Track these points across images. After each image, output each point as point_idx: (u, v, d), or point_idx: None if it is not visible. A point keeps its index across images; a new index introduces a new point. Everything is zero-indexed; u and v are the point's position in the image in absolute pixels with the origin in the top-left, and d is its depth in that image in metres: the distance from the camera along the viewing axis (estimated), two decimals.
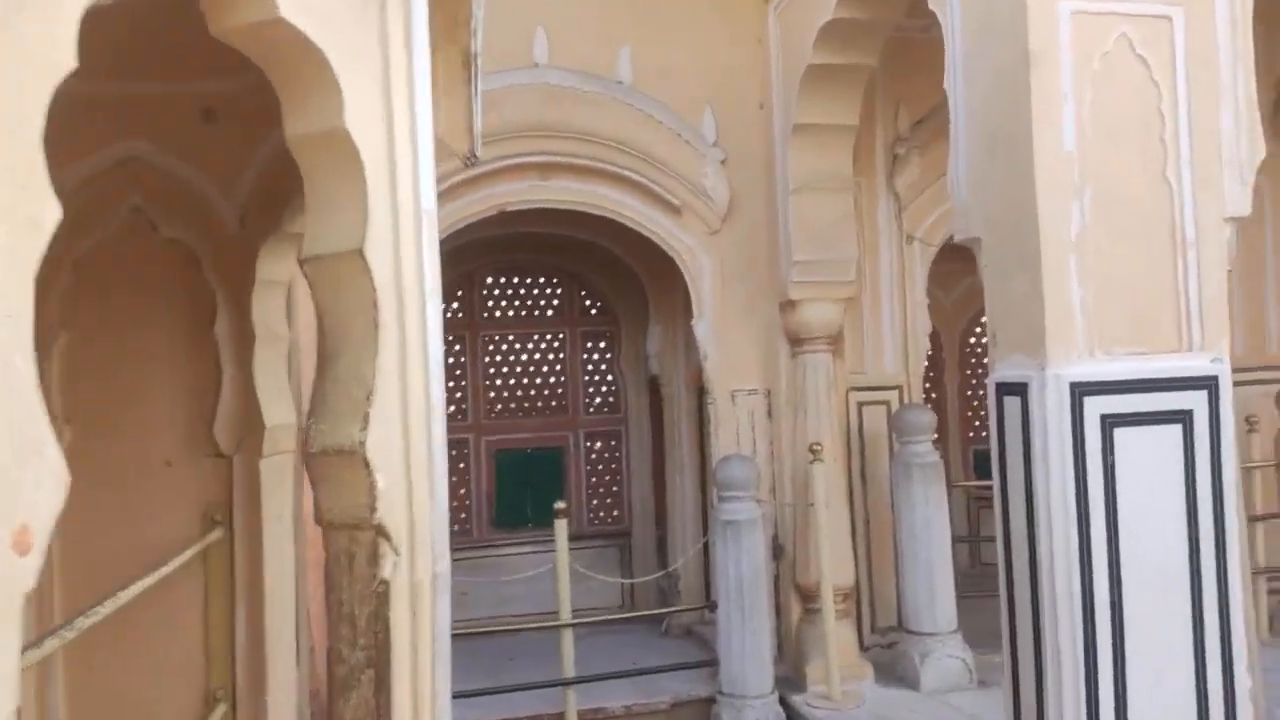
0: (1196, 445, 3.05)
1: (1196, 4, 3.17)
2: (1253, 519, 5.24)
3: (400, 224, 1.29)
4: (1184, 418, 3.06)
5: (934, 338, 7.63)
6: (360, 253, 1.24)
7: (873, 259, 5.70)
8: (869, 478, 5.51)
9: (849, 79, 5.06)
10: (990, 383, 3.29)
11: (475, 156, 2.48)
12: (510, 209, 5.32)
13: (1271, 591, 5.75)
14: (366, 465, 1.22)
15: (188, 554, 2.23)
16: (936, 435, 5.36)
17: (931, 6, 3.67)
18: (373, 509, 1.23)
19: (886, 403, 5.58)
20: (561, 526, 4.58)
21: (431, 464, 1.33)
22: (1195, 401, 3.08)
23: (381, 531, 1.24)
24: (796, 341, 5.33)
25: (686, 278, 5.46)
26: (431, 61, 1.79)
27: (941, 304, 7.69)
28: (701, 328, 5.41)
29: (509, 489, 6.76)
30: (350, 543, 1.23)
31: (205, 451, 2.38)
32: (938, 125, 5.46)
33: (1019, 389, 3.10)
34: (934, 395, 7.75)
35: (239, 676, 2.29)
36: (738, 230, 5.49)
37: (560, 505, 4.58)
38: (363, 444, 1.22)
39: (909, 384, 5.67)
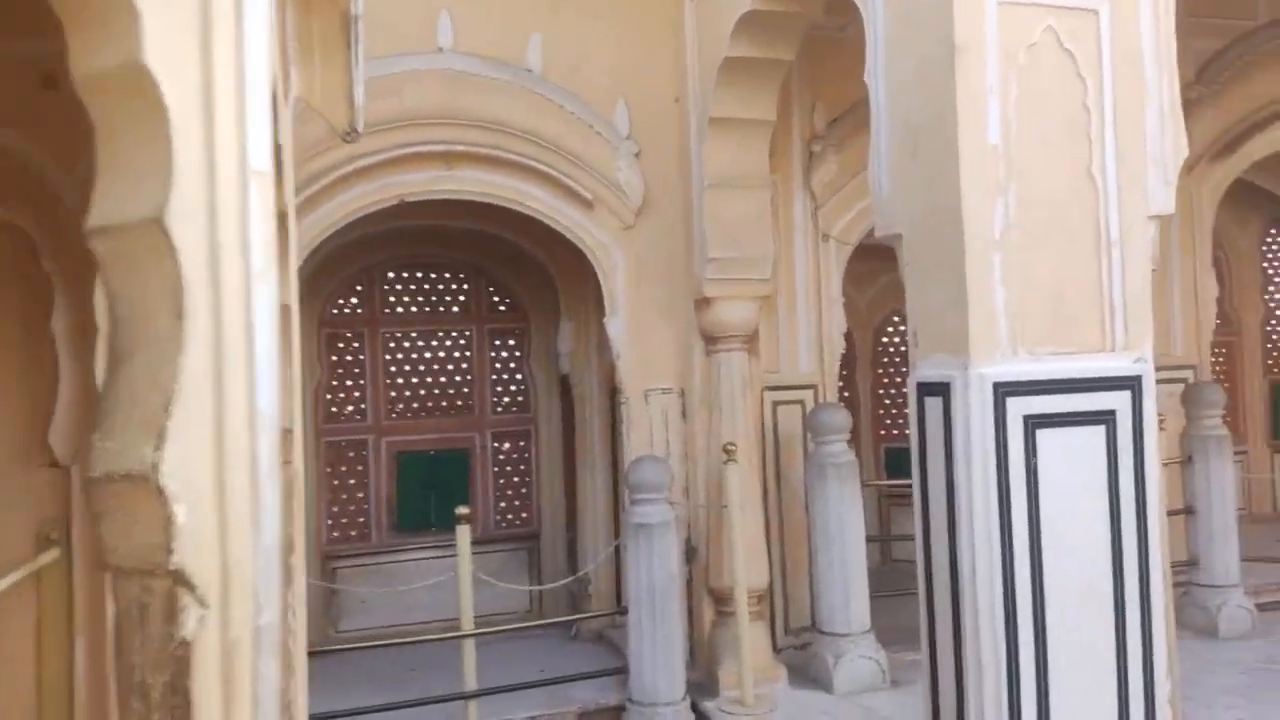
0: (1120, 447, 2.98)
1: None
2: None
3: (218, 188, 1.03)
4: (1107, 419, 2.99)
5: (848, 337, 7.60)
6: (160, 223, 0.98)
7: (788, 257, 5.59)
8: (783, 478, 5.39)
9: (766, 73, 4.91)
10: (911, 382, 3.16)
11: (356, 131, 2.23)
12: (411, 200, 5.02)
13: (1176, 584, 5.83)
14: (161, 493, 0.97)
15: (16, 576, 1.93)
16: (851, 435, 5.29)
17: None
18: (169, 550, 0.96)
19: (801, 402, 5.47)
20: (464, 532, 4.33)
21: (256, 491, 1.06)
22: (1119, 402, 3.00)
23: (181, 579, 0.98)
24: (711, 340, 5.18)
25: (599, 273, 5.25)
26: (306, 23, 1.53)
27: (856, 303, 7.65)
28: (614, 325, 5.21)
29: (411, 492, 6.43)
30: (142, 593, 0.97)
31: (39, 461, 2.07)
32: (854, 123, 5.39)
33: (941, 389, 2.98)
34: (847, 394, 7.71)
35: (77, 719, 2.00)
36: (652, 226, 5.31)
37: (462, 510, 4.32)
38: (156, 467, 0.96)
39: (824, 383, 5.57)
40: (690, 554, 5.10)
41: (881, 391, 8.28)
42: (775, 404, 5.44)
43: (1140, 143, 3.10)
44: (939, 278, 3.05)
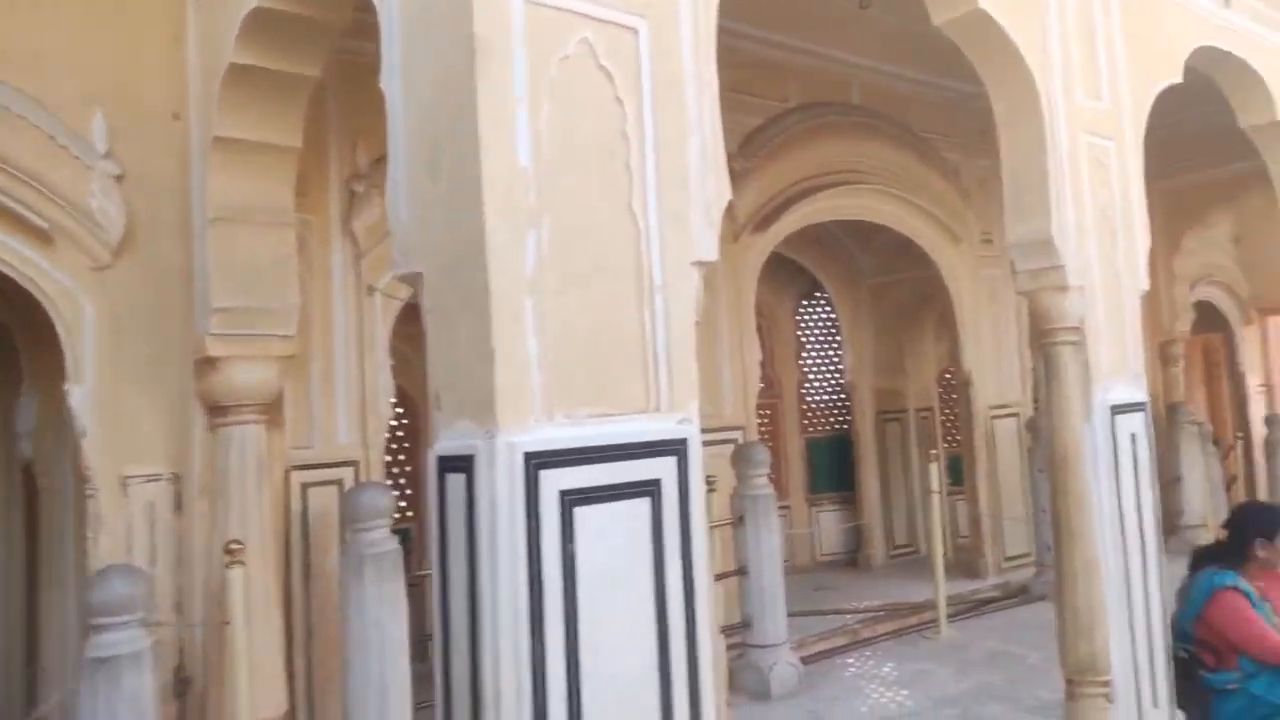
0: (666, 520, 2.57)
1: (662, 19, 2.80)
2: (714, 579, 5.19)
3: None
4: (652, 489, 2.57)
5: (409, 405, 6.93)
6: None
7: (324, 311, 4.79)
8: (314, 576, 4.50)
9: (286, 89, 4.12)
10: (431, 456, 2.54)
11: None
12: None
13: (731, 647, 5.80)
14: None
15: None
16: (410, 515, 4.56)
17: None
18: None
19: (339, 482, 4.64)
20: None
21: None
22: (664, 469, 2.61)
23: None
24: (217, 410, 4.17)
25: (60, 328, 4.00)
26: None
27: (416, 367, 6.96)
28: (78, 394, 3.98)
29: None
30: None
31: None
32: None
33: (464, 463, 2.38)
34: (409, 469, 6.97)
35: None
36: (139, 267, 4.19)
37: None
38: None
39: (368, 459, 4.79)
40: (182, 687, 3.98)
41: None
42: (305, 486, 4.56)
43: (683, 179, 2.79)
44: (463, 326, 2.47)
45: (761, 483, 5.93)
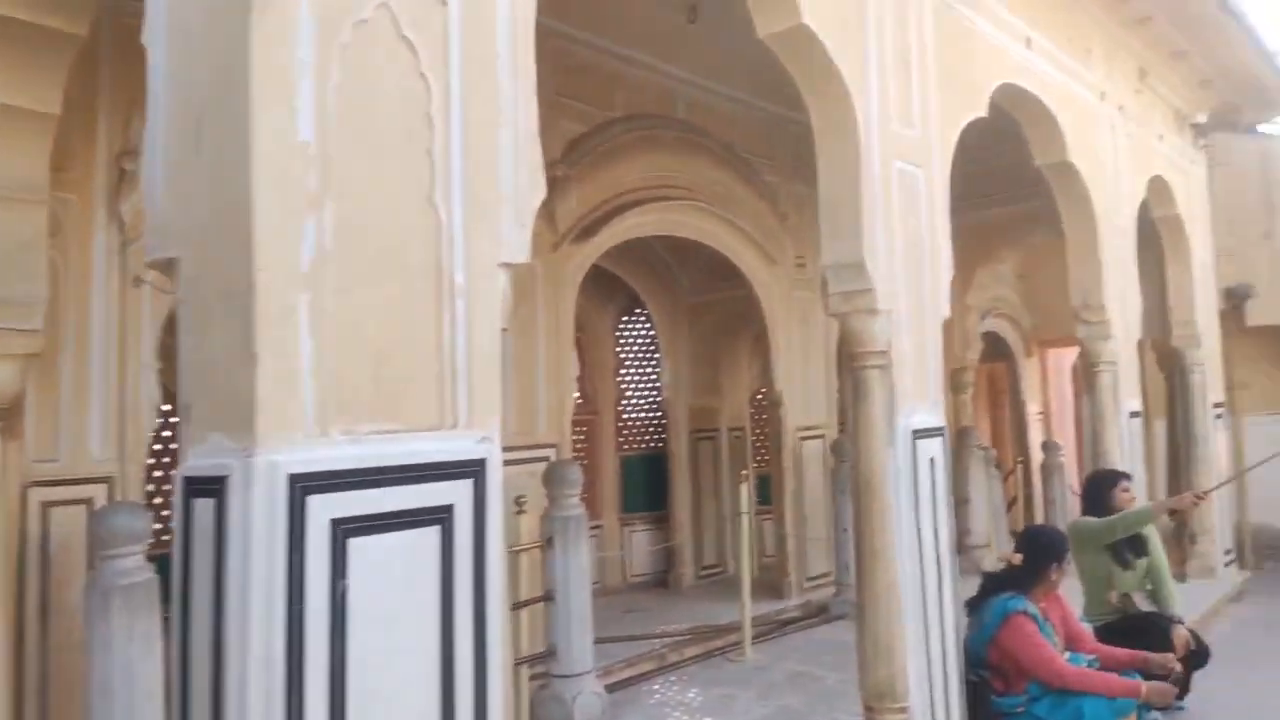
0: (458, 551, 2.30)
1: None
2: (516, 606, 4.93)
3: None
4: (444, 516, 2.29)
5: None
6: None
7: (80, 304, 4.21)
8: (54, 609, 3.89)
9: (43, 48, 3.58)
10: (177, 477, 2.15)
11: None
12: None
13: (535, 677, 5.54)
14: None
15: None
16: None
17: None
18: None
19: (89, 500, 4.06)
20: None
21: None
22: (459, 494, 2.33)
23: None
24: None
25: None
26: None
27: None
28: None
29: None
30: None
31: None
32: None
33: (215, 486, 2.02)
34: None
35: None
36: None
37: None
38: None
39: (124, 475, 4.23)
40: None
41: None
42: (46, 505, 3.95)
43: (492, 173, 2.54)
44: (222, 323, 2.11)
45: (573, 503, 5.69)
